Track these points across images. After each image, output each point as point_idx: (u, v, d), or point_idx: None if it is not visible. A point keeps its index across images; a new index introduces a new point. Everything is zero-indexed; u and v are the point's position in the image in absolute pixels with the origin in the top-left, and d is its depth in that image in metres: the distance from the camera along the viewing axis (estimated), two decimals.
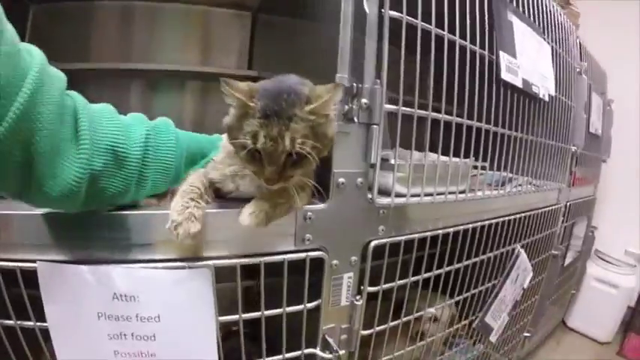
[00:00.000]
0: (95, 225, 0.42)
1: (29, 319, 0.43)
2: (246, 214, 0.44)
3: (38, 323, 0.43)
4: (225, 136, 0.50)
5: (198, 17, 1.14)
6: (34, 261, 0.41)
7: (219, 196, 0.51)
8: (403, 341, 0.71)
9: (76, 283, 0.43)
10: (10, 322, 0.43)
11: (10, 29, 0.31)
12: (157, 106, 1.14)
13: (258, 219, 0.44)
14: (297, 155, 0.42)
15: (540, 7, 0.86)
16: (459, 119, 0.62)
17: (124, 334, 0.45)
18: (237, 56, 1.16)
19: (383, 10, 0.50)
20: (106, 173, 0.38)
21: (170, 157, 0.45)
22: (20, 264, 0.41)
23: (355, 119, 0.48)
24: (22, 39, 1.11)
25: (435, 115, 0.57)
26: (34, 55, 0.33)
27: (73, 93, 0.38)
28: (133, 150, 0.41)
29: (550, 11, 0.92)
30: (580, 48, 1.11)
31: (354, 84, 0.47)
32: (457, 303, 0.81)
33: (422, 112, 0.55)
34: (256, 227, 0.44)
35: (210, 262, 0.45)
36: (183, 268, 0.45)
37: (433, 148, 0.62)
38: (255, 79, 1.04)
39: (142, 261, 0.44)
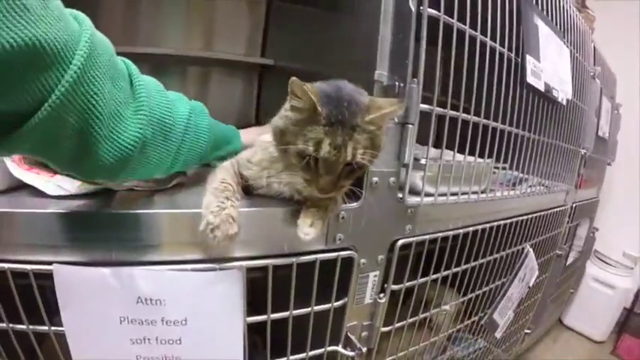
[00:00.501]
0: (116, 224, 0.41)
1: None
2: (307, 228, 0.43)
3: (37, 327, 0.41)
4: (264, 137, 0.49)
5: (207, 1, 1.11)
6: (49, 263, 0.39)
7: (245, 192, 0.50)
8: (417, 335, 0.72)
9: (96, 286, 0.40)
10: (22, 327, 0.41)
11: None
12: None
13: (318, 229, 0.44)
14: (353, 165, 0.41)
15: (561, 10, 0.86)
16: (486, 121, 0.62)
17: (148, 339, 0.43)
18: (246, 43, 1.14)
19: (422, 8, 0.50)
20: (153, 142, 0.39)
21: (204, 138, 0.48)
22: (33, 266, 0.39)
23: (395, 119, 0.47)
24: None
25: (465, 116, 0.57)
26: (81, 19, 0.33)
27: (125, 59, 0.39)
28: (178, 125, 0.42)
29: (569, 14, 0.92)
30: (594, 52, 1.12)
31: (396, 82, 0.47)
32: (467, 300, 0.83)
33: (454, 113, 0.55)
34: (316, 238, 0.43)
35: (242, 264, 0.44)
36: (213, 269, 0.43)
37: (456, 147, 0.63)
38: (270, 68, 1.04)
39: (167, 262, 0.42)
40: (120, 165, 0.36)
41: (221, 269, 0.44)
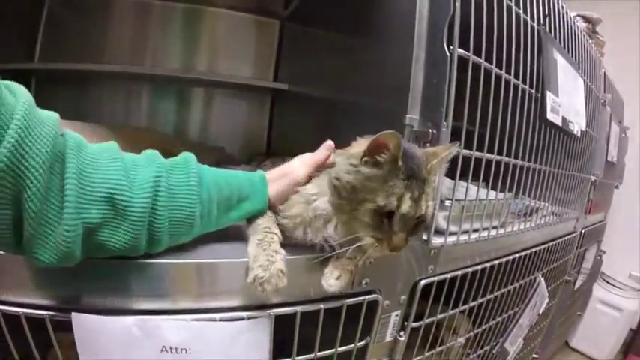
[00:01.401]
0: (138, 273, 0.39)
1: None
2: (333, 280, 0.42)
3: None
4: (303, 189, 0.45)
5: (214, 20, 1.11)
6: (68, 310, 0.37)
7: None
8: None
9: (119, 335, 0.39)
10: None
11: None
12: (165, 111, 1.11)
13: (344, 283, 0.42)
14: (420, 219, 0.40)
15: (575, 40, 0.87)
16: (507, 159, 0.62)
17: None
18: (256, 65, 1.14)
19: (452, 48, 0.49)
20: (105, 225, 0.32)
21: (190, 202, 0.37)
22: (50, 312, 0.37)
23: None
24: (36, 33, 1.06)
25: (489, 156, 0.57)
26: (17, 94, 0.28)
27: (68, 133, 0.33)
28: (136, 197, 0.34)
29: (583, 44, 0.93)
30: (605, 78, 1.13)
31: (430, 130, 0.47)
32: (480, 331, 0.82)
33: (479, 154, 0.55)
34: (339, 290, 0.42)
35: (270, 312, 0.43)
36: (241, 319, 0.42)
37: (479, 185, 0.63)
38: (284, 93, 1.04)
39: (192, 310, 0.41)
40: (62, 260, 0.31)
41: (249, 318, 0.43)
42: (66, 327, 0.38)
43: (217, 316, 0.42)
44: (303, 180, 0.46)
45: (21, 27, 0.99)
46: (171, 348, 0.41)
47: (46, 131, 0.29)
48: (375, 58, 0.58)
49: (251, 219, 0.45)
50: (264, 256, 0.39)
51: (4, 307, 0.37)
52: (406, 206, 0.38)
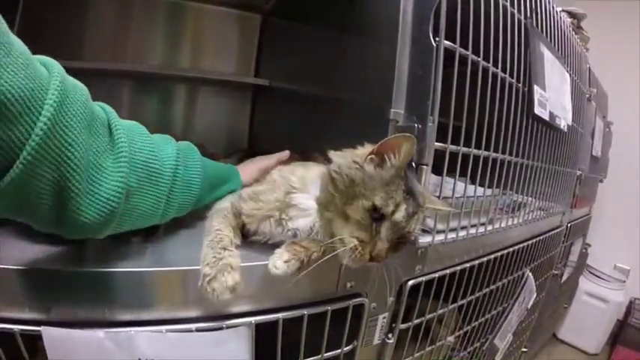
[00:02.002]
0: (109, 283, 0.37)
1: None
2: (281, 262, 0.40)
3: None
4: (286, 175, 0.48)
5: (194, 15, 1.07)
6: (37, 323, 0.35)
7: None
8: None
9: (91, 349, 0.37)
10: None
11: (18, 40, 0.28)
12: (148, 107, 1.08)
13: (292, 268, 0.40)
14: (402, 239, 0.40)
15: (562, 35, 0.86)
16: (495, 154, 0.61)
17: None
18: (238, 61, 1.10)
19: (437, 40, 0.47)
20: (140, 190, 0.36)
21: (197, 178, 0.45)
22: (20, 326, 0.35)
23: (412, 163, 0.45)
24: (11, 29, 1.01)
25: (476, 152, 0.56)
26: (49, 65, 0.30)
27: (102, 103, 0.36)
28: (165, 168, 0.39)
29: (569, 38, 0.93)
30: (589, 73, 1.13)
31: (415, 124, 0.45)
32: (468, 327, 0.81)
33: (466, 150, 0.54)
34: (284, 276, 0.40)
35: (250, 320, 0.41)
36: (220, 328, 0.40)
37: (467, 181, 0.61)
38: (265, 89, 1.01)
39: (167, 320, 0.39)
40: (105, 220, 0.33)
41: (228, 327, 0.40)
42: None
43: (194, 326, 0.39)
44: (271, 168, 0.55)
45: None
46: None
47: (79, 96, 0.31)
48: (359, 51, 0.55)
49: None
50: (212, 254, 0.38)
51: None
52: (400, 215, 0.38)
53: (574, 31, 1.10)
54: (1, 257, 0.35)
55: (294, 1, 0.86)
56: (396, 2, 0.46)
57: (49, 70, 0.30)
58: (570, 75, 0.91)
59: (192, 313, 0.40)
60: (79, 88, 0.32)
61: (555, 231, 1.05)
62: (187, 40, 1.05)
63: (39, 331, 0.35)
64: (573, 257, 1.38)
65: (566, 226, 1.15)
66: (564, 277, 1.32)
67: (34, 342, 0.37)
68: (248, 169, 0.56)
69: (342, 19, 0.62)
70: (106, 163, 0.33)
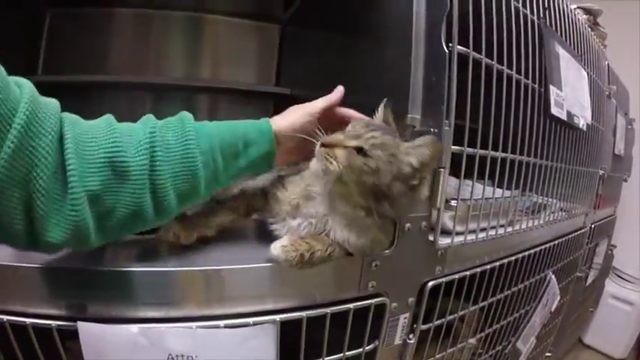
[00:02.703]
0: (142, 283, 0.39)
1: None
2: (278, 245, 0.42)
3: None
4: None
5: (215, 27, 1.11)
6: (73, 319, 0.38)
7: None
8: None
9: (125, 344, 0.39)
10: None
11: None
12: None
13: (291, 256, 0.41)
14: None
15: (577, 33, 0.86)
16: (513, 156, 0.61)
17: None
18: (258, 70, 1.13)
19: (451, 45, 0.49)
20: (108, 191, 0.33)
21: (190, 154, 0.37)
22: (57, 322, 0.38)
23: None
24: (38, 46, 1.08)
25: (494, 153, 0.56)
26: (22, 85, 0.31)
27: (64, 114, 0.34)
28: (134, 157, 0.34)
29: (585, 36, 0.92)
30: (609, 70, 1.11)
31: (432, 129, 0.46)
32: (490, 329, 0.81)
33: (484, 152, 0.54)
34: (284, 264, 0.41)
35: (276, 317, 0.43)
36: (246, 325, 0.42)
37: (485, 182, 0.62)
38: (286, 97, 1.03)
39: (197, 317, 0.41)
40: (75, 235, 0.32)
41: (255, 324, 0.42)
42: (76, 335, 0.38)
43: (222, 323, 0.41)
44: (318, 111, 0.47)
45: (23, 41, 1.00)
46: (177, 356, 0.41)
47: (51, 113, 0.31)
48: (375, 58, 0.57)
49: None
50: None
51: (12, 318, 0.37)
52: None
53: (590, 27, 1.09)
54: (38, 256, 0.37)
55: (311, 9, 0.89)
56: (409, 10, 0.48)
57: (21, 90, 0.30)
58: (588, 73, 0.90)
59: (221, 311, 0.42)
60: (50, 106, 0.32)
61: (578, 232, 1.03)
62: (208, 51, 1.09)
63: (75, 326, 0.38)
64: (599, 259, 1.34)
65: (590, 227, 1.13)
66: (589, 280, 1.28)
67: (64, 341, 0.40)
68: (290, 117, 0.46)
69: (357, 26, 0.64)
70: (63, 178, 0.31)
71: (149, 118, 0.39)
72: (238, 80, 1.10)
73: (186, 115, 0.40)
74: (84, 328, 0.38)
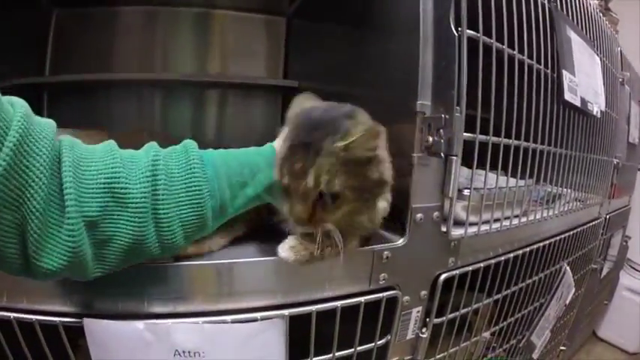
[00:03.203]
0: (149, 277, 0.39)
1: None
2: (287, 247, 0.40)
3: None
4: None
5: (222, 22, 1.10)
6: (79, 315, 0.38)
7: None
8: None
9: (131, 340, 0.39)
10: None
11: None
12: (178, 116, 1.12)
13: (299, 256, 0.40)
14: (332, 196, 0.37)
15: (589, 17, 0.83)
16: (526, 144, 0.59)
17: None
18: (266, 64, 1.13)
19: (460, 30, 0.47)
20: (107, 217, 0.32)
21: (195, 183, 0.35)
22: (62, 319, 0.38)
23: (442, 154, 0.45)
24: (45, 46, 1.07)
25: (507, 141, 0.54)
26: (15, 103, 0.29)
27: (63, 136, 0.33)
28: (135, 183, 0.33)
29: (597, 21, 0.89)
30: (621, 57, 1.08)
31: (443, 115, 0.44)
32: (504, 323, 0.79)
33: (496, 139, 0.53)
34: (294, 264, 0.40)
35: (284, 312, 0.42)
36: (254, 320, 0.41)
37: (499, 172, 0.60)
38: (294, 90, 1.02)
39: (204, 312, 0.41)
40: (68, 264, 0.30)
41: (262, 319, 0.42)
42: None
43: (229, 318, 0.41)
44: None
45: (30, 41, 1.00)
46: (183, 352, 0.41)
47: (45, 133, 0.30)
48: (383, 47, 0.56)
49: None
50: None
51: (18, 315, 0.37)
52: (284, 178, 0.38)
53: (601, 12, 1.06)
54: None
55: (315, 1, 0.88)
56: None
57: (14, 108, 0.28)
58: (601, 58, 0.87)
59: (228, 306, 0.42)
60: (45, 125, 0.31)
61: (593, 223, 1.00)
62: (215, 46, 1.09)
63: (81, 322, 0.38)
64: (613, 251, 1.31)
65: (605, 218, 1.10)
66: (604, 272, 1.25)
67: (76, 338, 0.40)
68: None
69: (363, 15, 0.63)
70: (59, 202, 0.30)
71: (152, 145, 0.37)
72: (246, 74, 1.09)
73: (190, 144, 0.38)
74: (89, 324, 0.38)
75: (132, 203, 0.32)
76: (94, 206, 0.31)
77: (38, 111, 1.07)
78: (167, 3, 1.06)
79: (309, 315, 0.44)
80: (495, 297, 0.68)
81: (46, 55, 1.03)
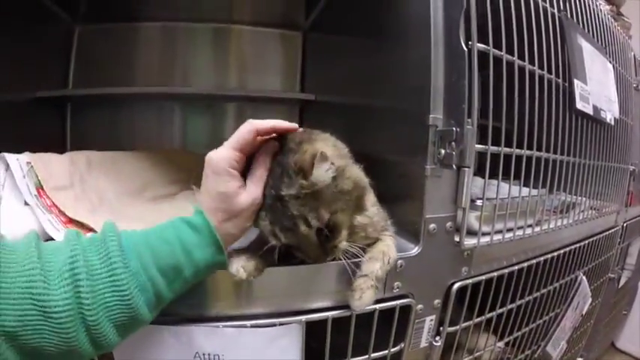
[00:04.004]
0: None
1: None
2: (357, 301, 0.42)
3: None
4: None
5: (239, 37, 1.14)
6: None
7: None
8: None
9: (154, 343, 0.41)
10: None
11: None
12: (197, 128, 1.15)
13: (368, 300, 0.42)
14: (327, 225, 0.37)
15: (600, 24, 0.83)
16: (539, 153, 0.59)
17: None
18: (283, 77, 1.15)
19: (470, 44, 0.48)
20: (29, 329, 0.28)
21: (119, 281, 0.31)
22: None
23: (453, 165, 0.46)
24: (68, 60, 1.11)
25: (519, 151, 0.55)
26: None
27: None
28: (56, 290, 0.29)
29: (609, 27, 0.89)
30: (635, 61, 1.07)
31: (454, 128, 0.46)
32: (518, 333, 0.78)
33: (508, 150, 0.53)
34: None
35: (302, 318, 0.44)
36: (272, 325, 0.43)
37: (511, 182, 0.60)
38: (311, 103, 1.04)
39: (225, 317, 0.43)
40: None
41: (281, 324, 0.43)
42: None
43: (249, 323, 0.43)
44: (228, 164, 0.36)
45: (54, 55, 1.05)
46: (204, 355, 0.43)
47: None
48: (396, 60, 0.57)
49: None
50: None
51: None
52: (283, 239, 0.37)
53: (613, 18, 1.05)
54: None
55: (331, 15, 0.90)
56: (427, 10, 0.48)
57: None
58: (613, 65, 0.86)
59: (248, 311, 0.43)
60: None
61: (610, 232, 0.99)
62: (233, 60, 1.12)
63: None
64: (632, 259, 1.28)
65: (622, 226, 1.08)
66: (622, 282, 1.22)
67: None
68: (206, 193, 0.37)
69: (377, 28, 0.64)
70: None
71: (73, 234, 0.34)
72: (264, 88, 1.12)
73: (108, 230, 0.33)
74: None
75: (55, 314, 0.29)
76: (10, 316, 0.28)
77: (62, 123, 1.11)
78: (186, 19, 1.10)
79: (325, 321, 0.45)
80: (509, 306, 0.67)
81: (69, 69, 1.08)
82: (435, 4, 0.48)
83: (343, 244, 0.40)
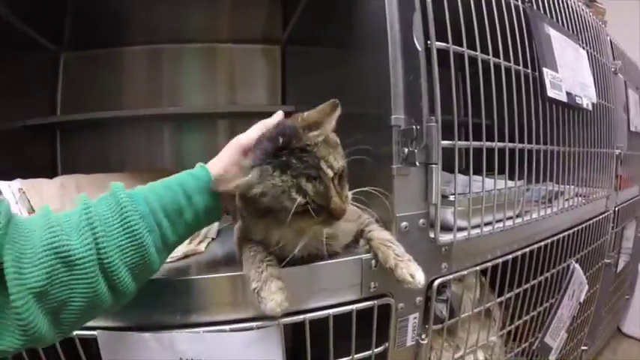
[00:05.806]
0: (155, 292, 0.42)
1: None
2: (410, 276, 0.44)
3: None
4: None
5: (223, 55, 1.16)
6: (93, 329, 0.42)
7: None
8: None
9: (139, 350, 0.43)
10: None
11: None
12: (189, 146, 1.17)
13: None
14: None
15: (570, 11, 0.84)
16: (512, 145, 0.60)
17: None
18: (267, 92, 1.17)
19: (429, 42, 0.49)
20: (57, 283, 0.31)
21: (130, 223, 0.34)
22: (79, 332, 0.41)
23: (417, 163, 0.47)
24: (55, 87, 1.13)
25: (489, 144, 0.55)
26: None
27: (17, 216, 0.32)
28: (77, 239, 0.32)
29: (579, 14, 0.89)
30: (612, 46, 1.07)
31: (414, 126, 0.46)
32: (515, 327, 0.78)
33: (477, 144, 0.54)
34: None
35: (279, 321, 0.44)
36: (251, 329, 0.44)
37: (484, 174, 0.61)
38: (292, 114, 1.05)
39: (206, 324, 0.44)
40: (32, 335, 0.30)
41: (258, 328, 0.44)
42: None
43: (228, 327, 0.44)
44: (248, 142, 0.44)
45: (41, 83, 1.07)
46: (187, 359, 0.44)
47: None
48: (361, 67, 0.59)
49: None
50: (253, 269, 0.41)
51: None
52: (311, 191, 0.37)
53: (586, 4, 1.06)
54: None
55: (304, 28, 0.92)
56: (383, 13, 0.49)
57: None
58: (587, 51, 0.87)
59: (227, 316, 0.45)
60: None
61: (600, 217, 0.98)
62: (220, 78, 1.15)
63: (95, 335, 0.42)
64: (628, 243, 1.27)
65: (614, 210, 1.07)
66: (620, 266, 1.21)
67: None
68: (224, 157, 0.44)
69: (343, 36, 0.66)
70: (3, 285, 0.29)
71: (81, 197, 0.36)
72: (251, 102, 1.14)
73: (116, 186, 0.37)
74: (102, 335, 0.43)
75: (79, 260, 0.31)
76: (39, 276, 0.30)
77: (52, 148, 1.11)
78: (170, 40, 1.12)
79: (315, 323, 0.46)
80: (499, 299, 0.67)
81: (56, 96, 1.10)
82: (390, 9, 0.49)
83: (349, 194, 0.42)
